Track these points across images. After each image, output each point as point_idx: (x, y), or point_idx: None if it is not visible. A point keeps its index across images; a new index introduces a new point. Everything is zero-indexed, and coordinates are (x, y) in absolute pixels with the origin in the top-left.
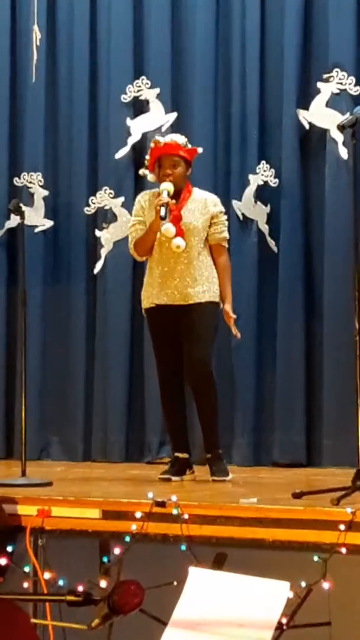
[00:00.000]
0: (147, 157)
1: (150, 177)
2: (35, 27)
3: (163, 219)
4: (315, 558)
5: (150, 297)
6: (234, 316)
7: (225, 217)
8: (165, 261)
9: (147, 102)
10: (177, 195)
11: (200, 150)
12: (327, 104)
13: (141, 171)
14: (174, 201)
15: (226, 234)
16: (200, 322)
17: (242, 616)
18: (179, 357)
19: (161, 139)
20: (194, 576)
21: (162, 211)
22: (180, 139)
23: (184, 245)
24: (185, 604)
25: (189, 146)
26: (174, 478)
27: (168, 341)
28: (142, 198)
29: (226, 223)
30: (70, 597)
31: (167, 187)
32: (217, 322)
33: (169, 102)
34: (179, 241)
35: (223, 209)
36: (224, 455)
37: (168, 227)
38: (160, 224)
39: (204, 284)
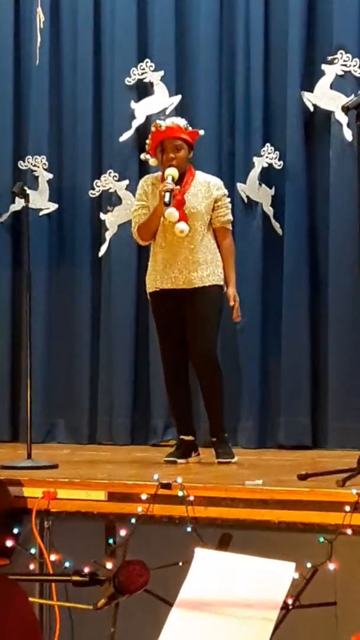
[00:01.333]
0: (148, 141)
1: (152, 161)
2: (39, 10)
3: (167, 204)
4: (321, 539)
5: (154, 281)
6: (238, 299)
7: (229, 199)
8: (169, 245)
9: (151, 84)
10: (181, 179)
11: (201, 132)
12: (332, 86)
13: (142, 156)
14: (177, 187)
15: (230, 217)
16: (205, 306)
17: (247, 596)
18: (183, 340)
19: (162, 123)
20: (199, 557)
21: (167, 197)
22: (182, 121)
23: (187, 230)
24: (191, 585)
25: (190, 129)
26: (179, 460)
27: (172, 325)
28: (145, 182)
29: (229, 206)
30: (76, 577)
31: (172, 172)
32: (222, 305)
33: (173, 85)
34: (182, 225)
35: (226, 192)
36: (229, 438)
37: (172, 212)
38: (164, 209)
39: (208, 267)
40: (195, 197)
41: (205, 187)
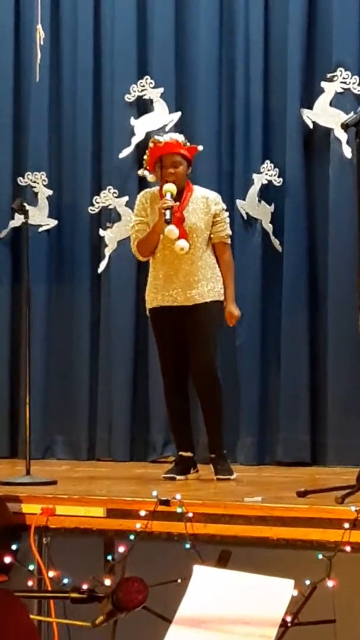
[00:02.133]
0: (146, 157)
1: (150, 177)
2: (39, 27)
3: (168, 222)
4: (320, 556)
5: (154, 298)
6: (238, 314)
7: (227, 214)
8: (168, 262)
9: (151, 101)
10: (179, 194)
11: (200, 148)
12: (331, 103)
13: (140, 172)
14: (177, 203)
15: (228, 231)
16: (205, 321)
17: (246, 614)
18: (183, 356)
19: (161, 139)
20: (198, 574)
21: (167, 214)
22: (180, 137)
23: (187, 248)
24: (189, 602)
25: (188, 144)
26: (178, 477)
27: (172, 341)
28: (144, 197)
29: (228, 220)
30: (74, 594)
31: (171, 188)
32: (221, 321)
33: (172, 102)
34: (182, 243)
35: (224, 206)
36: (228, 455)
37: (171, 229)
38: (164, 226)
39: (208, 283)
40: (195, 213)
41: (204, 202)
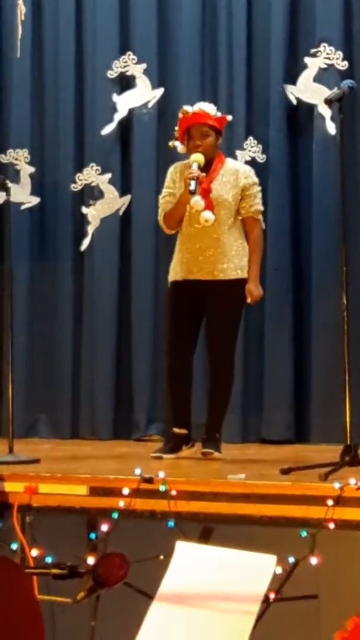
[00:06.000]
0: (176, 128)
1: (180, 148)
2: (20, 2)
3: (193, 192)
4: (303, 533)
5: (178, 270)
6: (259, 293)
7: (259, 188)
8: (194, 235)
9: (133, 77)
10: (208, 166)
11: (229, 117)
12: (315, 79)
13: (171, 143)
14: (204, 174)
15: (259, 207)
16: (229, 302)
17: (228, 589)
18: (195, 333)
19: (189, 109)
20: (180, 550)
21: (192, 184)
22: (209, 107)
23: (212, 219)
24: (171, 578)
25: (219, 114)
26: (165, 456)
27: (188, 317)
28: (174, 169)
29: (259, 195)
30: (55, 570)
31: (197, 158)
32: (245, 301)
33: (155, 78)
34: (207, 215)
35: (256, 180)
36: (221, 439)
37: (197, 200)
38: (189, 197)
39: (233, 259)
40: (223, 185)
41: (234, 175)
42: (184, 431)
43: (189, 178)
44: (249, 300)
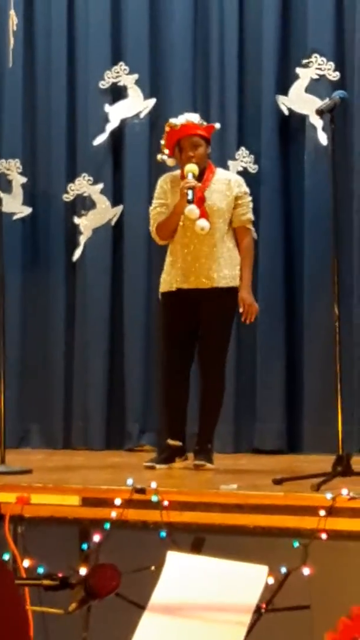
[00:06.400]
0: (163, 141)
1: (170, 161)
2: (12, 12)
3: (190, 202)
4: (296, 544)
5: (170, 281)
6: (251, 302)
7: (250, 198)
8: (188, 244)
9: (125, 88)
10: (201, 175)
11: (217, 126)
12: (307, 90)
13: (159, 157)
14: (199, 184)
15: (250, 216)
16: (220, 312)
17: (220, 600)
18: (191, 344)
19: (176, 121)
20: (172, 560)
21: (190, 194)
22: (195, 117)
23: (208, 227)
24: (163, 589)
25: (205, 124)
26: (158, 466)
27: (182, 327)
28: (164, 180)
29: (250, 205)
30: (46, 582)
31: (192, 168)
32: (236, 310)
33: (147, 88)
34: (203, 223)
35: (247, 190)
36: (212, 449)
37: (192, 209)
38: (185, 206)
39: (226, 267)
40: (216, 194)
41: (226, 184)
42: (178, 443)
43: (187, 187)
44: (241, 309)
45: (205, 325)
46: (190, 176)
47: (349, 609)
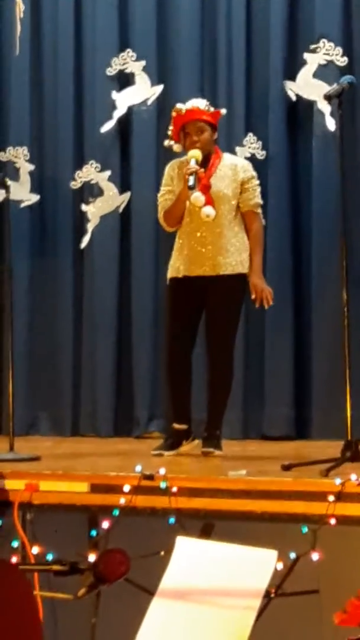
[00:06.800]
0: (170, 127)
1: (176, 147)
2: (19, 0)
3: (192, 188)
4: (305, 529)
5: (178, 267)
6: (263, 287)
7: (257, 182)
8: (195, 231)
9: (132, 75)
10: (206, 161)
11: (223, 111)
12: (314, 75)
13: (166, 142)
14: (202, 169)
15: (258, 200)
16: (228, 298)
17: (229, 585)
18: (194, 330)
19: (182, 106)
20: (181, 546)
21: (191, 180)
22: (202, 103)
23: (213, 214)
24: (172, 574)
25: (212, 109)
26: (166, 453)
27: (187, 314)
28: (171, 167)
29: (258, 189)
30: (56, 567)
31: (195, 154)
32: (244, 296)
33: (154, 75)
34: (208, 210)
35: (255, 174)
36: (221, 436)
37: (197, 196)
38: (189, 193)
39: (234, 254)
40: (222, 180)
41: (233, 169)
42: (184, 426)
43: (188, 173)
44: (253, 296)
45: (212, 312)
46: (192, 162)
47: (357, 593)
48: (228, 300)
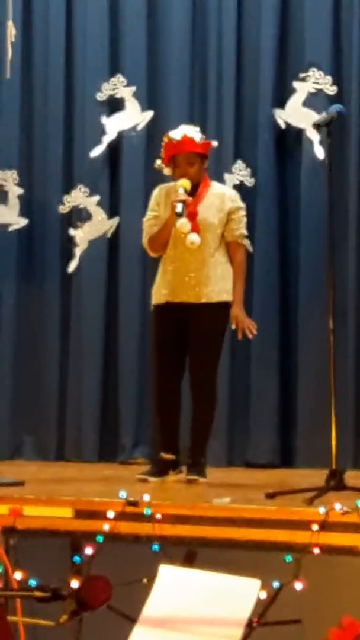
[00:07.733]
0: (163, 150)
1: (166, 170)
2: (10, 23)
3: (179, 215)
4: (288, 558)
5: (161, 294)
6: (243, 318)
7: (244, 213)
8: (179, 257)
9: (122, 100)
10: (194, 189)
11: (215, 144)
12: (304, 104)
13: (157, 163)
14: (190, 198)
15: (243, 231)
16: (211, 326)
17: (212, 614)
18: (182, 357)
19: (175, 135)
20: (164, 573)
21: (179, 207)
22: (193, 132)
23: (198, 242)
24: (154, 602)
25: (203, 137)
26: (150, 479)
27: (173, 340)
28: (158, 192)
29: (244, 220)
30: (38, 593)
31: (183, 183)
32: (228, 325)
33: (144, 101)
34: (193, 237)
35: (242, 205)
36: (205, 463)
37: (183, 223)
38: (176, 220)
39: (218, 283)
40: (209, 208)
41: (220, 198)
42: (171, 457)
43: (176, 201)
44: (233, 326)
45: (195, 339)
46: (181, 190)
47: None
48: (211, 328)
